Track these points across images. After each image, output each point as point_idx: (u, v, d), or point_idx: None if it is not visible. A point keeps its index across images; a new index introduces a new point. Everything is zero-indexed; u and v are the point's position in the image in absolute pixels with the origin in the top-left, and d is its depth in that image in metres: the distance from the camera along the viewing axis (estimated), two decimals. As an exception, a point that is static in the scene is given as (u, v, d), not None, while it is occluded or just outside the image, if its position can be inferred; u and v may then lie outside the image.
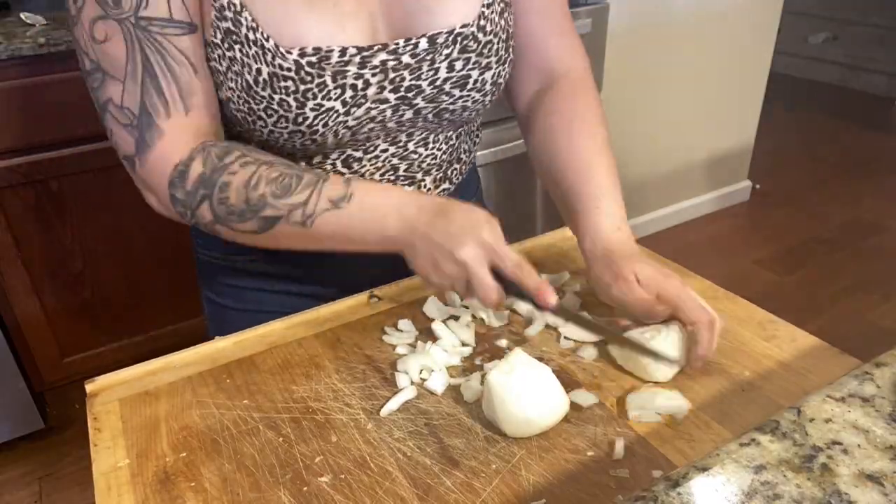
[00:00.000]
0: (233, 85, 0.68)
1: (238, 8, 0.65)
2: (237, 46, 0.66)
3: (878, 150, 3.51)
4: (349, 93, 0.68)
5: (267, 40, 0.65)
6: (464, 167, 0.88)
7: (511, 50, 0.77)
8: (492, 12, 0.73)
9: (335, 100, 0.68)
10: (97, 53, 0.65)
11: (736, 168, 2.93)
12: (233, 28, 0.66)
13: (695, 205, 2.86)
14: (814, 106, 4.08)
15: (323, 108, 0.68)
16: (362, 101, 0.70)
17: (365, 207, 0.65)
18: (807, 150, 3.52)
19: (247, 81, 0.67)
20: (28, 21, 1.66)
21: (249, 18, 0.65)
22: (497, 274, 0.62)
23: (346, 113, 0.70)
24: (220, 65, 0.68)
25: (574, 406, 0.63)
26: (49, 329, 1.78)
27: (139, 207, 1.84)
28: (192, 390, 0.68)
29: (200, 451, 0.60)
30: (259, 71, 0.66)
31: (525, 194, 2.04)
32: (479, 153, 1.82)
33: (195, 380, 0.69)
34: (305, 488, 0.56)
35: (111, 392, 0.69)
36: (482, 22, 0.72)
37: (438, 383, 0.66)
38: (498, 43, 0.74)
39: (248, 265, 0.86)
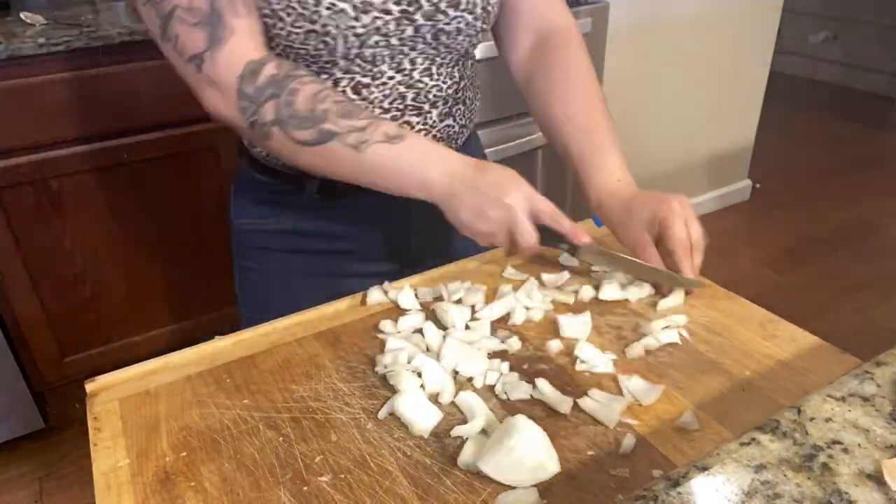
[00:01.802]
0: None
1: None
2: None
3: (878, 149, 3.51)
4: None
5: None
6: (468, 112, 0.93)
7: None
8: None
9: (346, 1, 0.74)
10: None
11: (736, 167, 2.93)
12: None
13: (695, 204, 2.81)
14: (814, 105, 4.08)
15: (336, 8, 0.74)
16: (369, 7, 0.75)
17: (415, 149, 0.74)
18: (807, 149, 3.52)
19: None
20: (28, 21, 1.66)
21: None
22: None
23: (356, 18, 0.75)
24: None
25: (574, 405, 0.63)
26: (49, 329, 1.78)
27: (140, 207, 1.84)
28: (191, 390, 0.68)
29: (200, 450, 0.60)
30: None
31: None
32: (479, 153, 1.82)
33: (195, 379, 0.69)
34: (305, 488, 0.56)
35: (111, 392, 0.69)
36: None
37: (428, 424, 0.61)
38: None
39: (279, 224, 0.92)
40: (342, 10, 0.74)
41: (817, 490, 0.37)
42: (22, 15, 1.69)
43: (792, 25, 3.81)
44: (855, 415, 0.42)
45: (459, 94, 0.90)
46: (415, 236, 0.96)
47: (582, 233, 0.76)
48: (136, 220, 1.77)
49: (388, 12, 0.76)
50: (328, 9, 0.74)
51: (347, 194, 0.85)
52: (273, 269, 0.95)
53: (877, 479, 0.38)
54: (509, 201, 0.72)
